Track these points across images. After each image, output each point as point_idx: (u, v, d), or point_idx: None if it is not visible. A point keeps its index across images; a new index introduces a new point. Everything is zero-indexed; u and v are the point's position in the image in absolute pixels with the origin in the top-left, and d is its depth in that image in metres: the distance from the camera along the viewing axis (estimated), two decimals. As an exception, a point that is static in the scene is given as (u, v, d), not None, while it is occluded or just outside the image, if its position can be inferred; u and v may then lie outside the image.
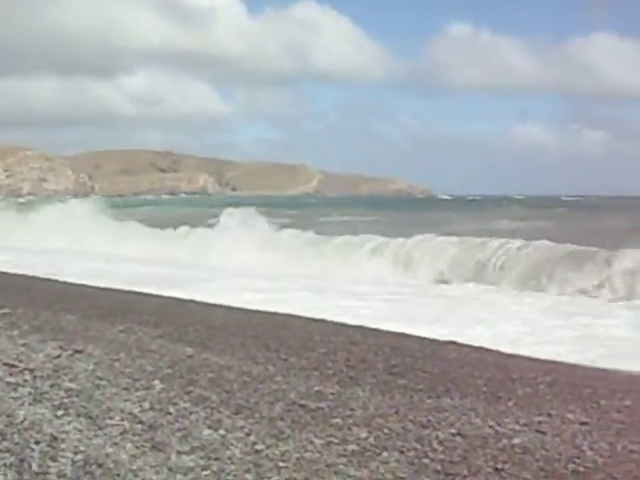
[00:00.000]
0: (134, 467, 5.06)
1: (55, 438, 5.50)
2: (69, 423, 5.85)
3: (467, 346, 11.01)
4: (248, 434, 5.79)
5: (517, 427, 6.34)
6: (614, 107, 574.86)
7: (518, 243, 27.19)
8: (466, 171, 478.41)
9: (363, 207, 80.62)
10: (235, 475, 4.98)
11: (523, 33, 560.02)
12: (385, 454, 5.51)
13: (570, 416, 6.78)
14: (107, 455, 5.22)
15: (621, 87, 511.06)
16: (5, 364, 7.58)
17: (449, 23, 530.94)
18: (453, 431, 6.12)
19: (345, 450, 5.55)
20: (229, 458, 5.27)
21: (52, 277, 19.71)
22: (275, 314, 13.33)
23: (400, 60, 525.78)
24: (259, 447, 5.51)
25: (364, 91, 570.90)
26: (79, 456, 5.18)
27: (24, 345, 8.59)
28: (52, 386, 6.85)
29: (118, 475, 4.90)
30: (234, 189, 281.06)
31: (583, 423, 6.58)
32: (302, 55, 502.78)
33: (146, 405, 6.43)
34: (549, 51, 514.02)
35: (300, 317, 13.09)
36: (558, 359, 10.74)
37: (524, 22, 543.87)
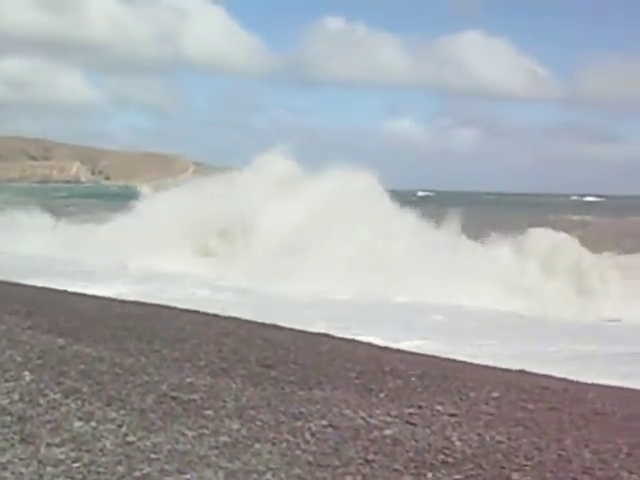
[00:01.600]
0: (3, 460, 4.98)
1: None
2: None
3: (339, 338, 11.10)
4: (120, 426, 5.74)
5: (388, 419, 6.42)
6: (484, 104, 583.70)
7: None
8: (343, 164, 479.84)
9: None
10: (106, 467, 4.93)
11: (397, 29, 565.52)
12: (257, 446, 5.53)
13: (440, 408, 6.90)
14: (-26, 448, 5.13)
15: (491, 85, 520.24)
16: None
17: (324, 16, 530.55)
18: (325, 423, 6.17)
19: (217, 442, 5.55)
20: (100, 450, 5.22)
21: None
22: (148, 305, 13.22)
23: (275, 52, 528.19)
24: (130, 439, 5.47)
25: (239, 82, 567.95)
26: (-55, 449, 5.07)
27: None
28: None
29: (-15, 468, 4.81)
30: (107, 178, 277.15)
31: (452, 415, 6.70)
32: (175, 44, 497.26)
33: (15, 396, 6.32)
34: (421, 48, 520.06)
35: (173, 308, 13.00)
36: (429, 352, 10.90)
37: (398, 18, 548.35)
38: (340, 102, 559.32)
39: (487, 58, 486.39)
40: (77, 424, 5.73)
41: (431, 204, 54.81)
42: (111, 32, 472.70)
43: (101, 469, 4.90)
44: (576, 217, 41.60)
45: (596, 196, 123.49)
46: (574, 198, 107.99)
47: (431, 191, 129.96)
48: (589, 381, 9.40)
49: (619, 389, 9.20)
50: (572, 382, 9.17)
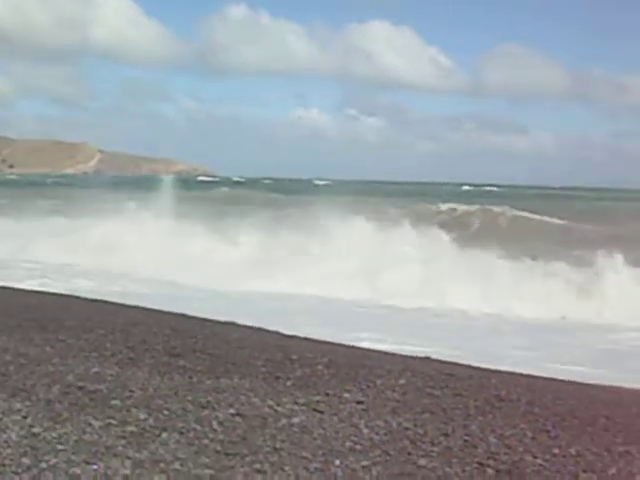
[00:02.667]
0: None
1: None
2: None
3: (247, 327, 11.10)
4: (25, 417, 5.67)
5: (295, 407, 6.45)
6: (390, 94, 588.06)
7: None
8: (247, 154, 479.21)
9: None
10: (12, 459, 4.87)
11: (301, 17, 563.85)
12: (165, 435, 5.51)
13: (347, 395, 6.95)
14: None
15: (397, 75, 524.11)
16: None
17: (227, 4, 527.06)
18: (232, 411, 6.18)
19: (124, 432, 5.52)
20: (5, 442, 5.16)
21: None
22: (54, 295, 13.06)
23: (181, 41, 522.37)
24: (36, 430, 5.41)
25: (146, 71, 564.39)
26: None
27: None
28: None
29: None
30: (11, 166, 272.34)
31: (360, 402, 6.75)
32: (82, 32, 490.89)
33: None
34: (327, 37, 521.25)
35: (80, 298, 12.87)
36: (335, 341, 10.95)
37: (302, 6, 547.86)
38: (247, 91, 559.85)
39: (393, 48, 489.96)
40: (-19, 416, 5.65)
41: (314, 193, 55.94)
42: (16, 20, 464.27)
43: (6, 461, 4.84)
44: (444, 206, 42.52)
45: (495, 186, 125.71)
46: (466, 188, 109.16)
47: (330, 180, 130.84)
48: (492, 367, 9.55)
49: (522, 376, 9.36)
50: (476, 369, 9.31)
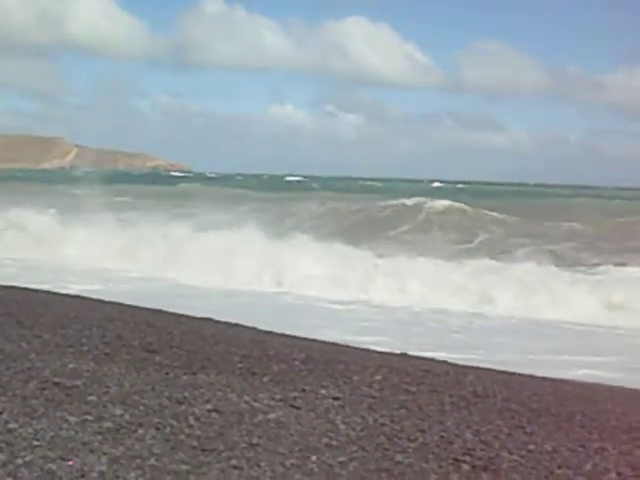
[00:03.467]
0: None
1: None
2: None
3: (223, 323, 11.10)
4: (0, 413, 5.64)
5: (272, 403, 6.46)
6: (368, 91, 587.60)
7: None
8: (225, 149, 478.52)
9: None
10: (-13, 455, 4.85)
11: (277, 13, 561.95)
12: (141, 431, 5.50)
13: (324, 391, 6.96)
14: None
15: (374, 71, 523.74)
16: None
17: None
18: (209, 407, 6.17)
19: (100, 427, 5.50)
20: (-20, 437, 5.13)
21: None
22: (30, 291, 13.01)
23: (156, 36, 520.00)
24: (12, 426, 5.38)
25: (121, 65, 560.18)
26: None
27: None
28: None
29: None
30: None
31: (336, 398, 6.76)
32: (57, 26, 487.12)
33: None
34: (303, 33, 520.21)
35: (56, 293, 12.84)
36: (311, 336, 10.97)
37: (278, 2, 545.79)
38: (224, 87, 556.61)
39: (370, 44, 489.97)
40: (-44, 411, 5.62)
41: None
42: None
43: (-19, 457, 4.82)
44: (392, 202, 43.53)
45: (469, 183, 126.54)
46: (436, 185, 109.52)
47: (305, 176, 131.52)
48: (468, 364, 9.59)
49: (497, 372, 9.40)
50: (452, 365, 9.34)
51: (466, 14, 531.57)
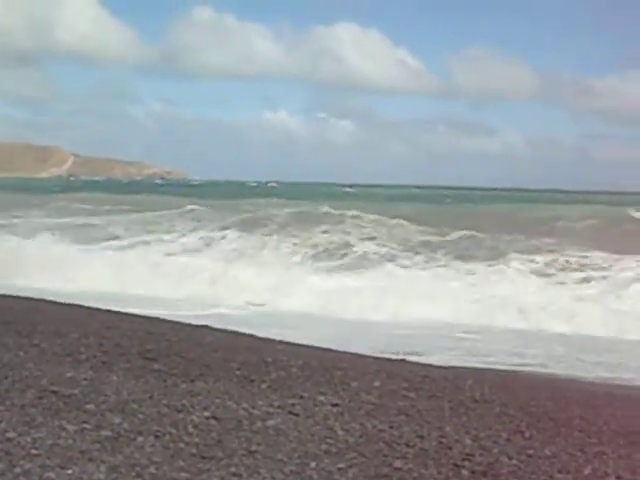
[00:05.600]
0: None
1: None
2: None
3: (221, 330, 11.10)
4: (-1, 422, 5.64)
5: (271, 409, 6.45)
6: (360, 97, 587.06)
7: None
8: (220, 157, 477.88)
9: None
10: (-15, 464, 4.84)
11: (267, 20, 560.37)
12: (140, 439, 5.49)
13: (322, 398, 6.95)
14: None
15: (366, 77, 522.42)
16: None
17: (192, 6, 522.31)
18: (207, 414, 6.16)
19: (99, 436, 5.49)
20: (-21, 447, 5.12)
21: None
22: (28, 299, 12.99)
23: (148, 43, 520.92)
24: (10, 435, 5.37)
25: (113, 73, 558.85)
26: None
27: None
28: None
29: None
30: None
31: (335, 404, 6.76)
32: (50, 34, 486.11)
33: None
34: (294, 39, 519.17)
35: (54, 302, 12.82)
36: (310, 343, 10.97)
37: (268, 9, 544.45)
38: (216, 94, 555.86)
39: (361, 50, 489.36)
40: (-46, 421, 5.61)
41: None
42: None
43: (-20, 466, 4.81)
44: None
45: (453, 189, 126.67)
46: (415, 191, 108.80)
47: (281, 182, 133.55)
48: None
49: (497, 376, 9.40)
50: (451, 370, 9.34)
51: (457, 19, 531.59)
